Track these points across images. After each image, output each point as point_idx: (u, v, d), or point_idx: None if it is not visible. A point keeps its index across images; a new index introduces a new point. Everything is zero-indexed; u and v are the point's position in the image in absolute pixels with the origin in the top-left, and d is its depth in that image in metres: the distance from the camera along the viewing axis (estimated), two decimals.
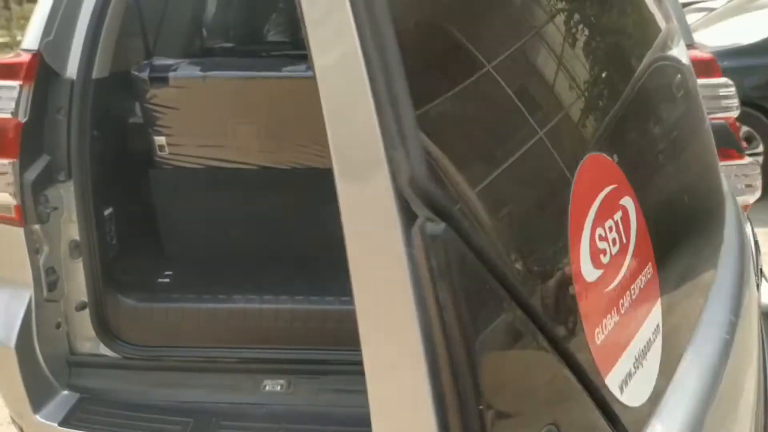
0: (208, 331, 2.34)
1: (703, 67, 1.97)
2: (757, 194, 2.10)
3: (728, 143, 2.00)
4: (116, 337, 2.32)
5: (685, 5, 6.57)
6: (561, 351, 0.88)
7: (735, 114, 2.03)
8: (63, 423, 2.19)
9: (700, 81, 1.96)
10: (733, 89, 2.00)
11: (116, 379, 2.32)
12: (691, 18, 6.70)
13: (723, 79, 1.98)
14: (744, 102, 2.40)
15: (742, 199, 2.04)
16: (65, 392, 2.27)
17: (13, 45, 12.06)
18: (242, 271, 2.44)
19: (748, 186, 2.07)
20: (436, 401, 0.74)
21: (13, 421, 2.30)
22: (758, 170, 2.09)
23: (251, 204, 2.47)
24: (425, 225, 0.74)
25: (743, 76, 5.39)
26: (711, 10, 9.06)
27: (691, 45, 2.01)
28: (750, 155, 2.50)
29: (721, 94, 1.99)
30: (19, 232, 2.13)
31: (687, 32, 2.04)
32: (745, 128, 5.51)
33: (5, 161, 2.08)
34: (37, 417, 2.18)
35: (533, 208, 0.95)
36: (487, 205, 0.84)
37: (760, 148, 6.33)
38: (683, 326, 1.23)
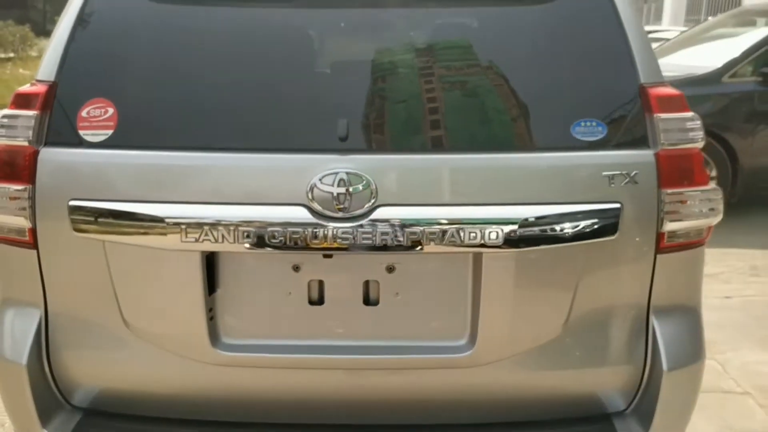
0: None
1: (674, 103, 2.18)
2: (719, 217, 2.27)
3: (697, 172, 2.19)
4: None
5: None
6: None
7: (701, 145, 2.22)
8: None
9: (672, 115, 2.16)
10: (699, 122, 2.20)
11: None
12: None
13: (691, 114, 2.17)
14: None
15: (706, 222, 2.23)
16: (72, 407, 2.34)
17: None
18: None
19: (712, 210, 2.23)
20: None
21: None
22: (721, 195, 2.26)
23: None
24: None
25: (696, 104, 5.71)
26: (666, 40, 9.53)
27: (661, 83, 2.21)
28: None
29: (688, 127, 2.18)
30: (32, 254, 2.22)
31: (657, 70, 2.22)
32: None
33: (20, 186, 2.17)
34: None
35: None
36: None
37: (714, 173, 6.69)
38: None
